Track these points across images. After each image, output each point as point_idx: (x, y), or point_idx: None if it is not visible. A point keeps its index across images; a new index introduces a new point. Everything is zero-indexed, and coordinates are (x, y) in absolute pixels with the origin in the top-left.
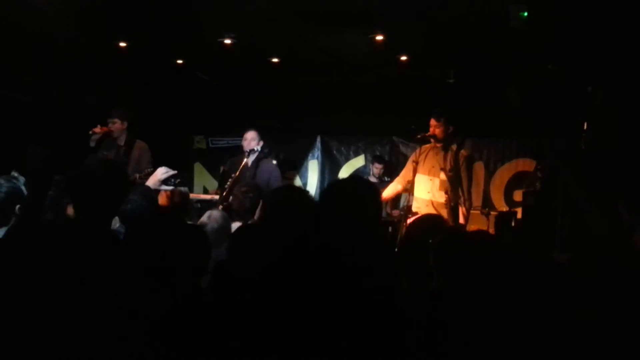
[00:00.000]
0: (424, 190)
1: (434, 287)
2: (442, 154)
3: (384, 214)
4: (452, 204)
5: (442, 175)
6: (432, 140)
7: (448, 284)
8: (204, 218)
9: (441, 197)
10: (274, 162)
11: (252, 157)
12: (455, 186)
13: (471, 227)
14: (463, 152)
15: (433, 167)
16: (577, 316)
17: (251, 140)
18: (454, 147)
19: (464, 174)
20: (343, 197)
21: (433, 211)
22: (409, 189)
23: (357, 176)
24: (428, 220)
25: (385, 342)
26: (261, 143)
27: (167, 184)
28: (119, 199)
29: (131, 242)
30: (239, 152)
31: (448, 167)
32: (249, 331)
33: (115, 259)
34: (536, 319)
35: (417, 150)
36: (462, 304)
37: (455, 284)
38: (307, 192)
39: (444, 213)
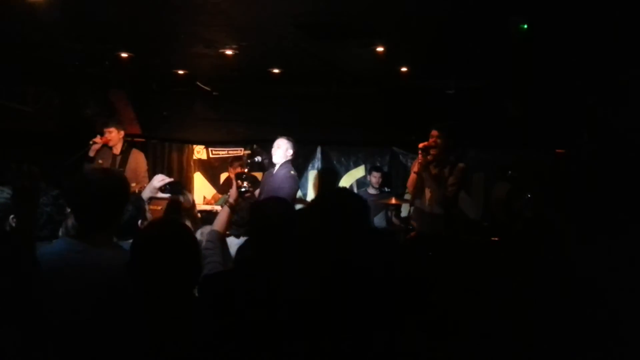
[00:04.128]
0: (424, 202)
1: (433, 299)
2: (440, 166)
3: (386, 222)
4: (449, 215)
5: (441, 188)
6: (431, 151)
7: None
8: (197, 235)
9: (439, 210)
10: (292, 172)
11: (276, 166)
12: (453, 198)
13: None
14: (460, 165)
15: (431, 179)
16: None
17: (277, 149)
18: (452, 159)
19: (459, 186)
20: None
21: (430, 223)
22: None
23: (343, 188)
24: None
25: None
26: (290, 151)
27: (163, 192)
28: (122, 208)
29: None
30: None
31: (447, 179)
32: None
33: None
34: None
35: (418, 161)
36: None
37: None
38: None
39: (441, 225)
